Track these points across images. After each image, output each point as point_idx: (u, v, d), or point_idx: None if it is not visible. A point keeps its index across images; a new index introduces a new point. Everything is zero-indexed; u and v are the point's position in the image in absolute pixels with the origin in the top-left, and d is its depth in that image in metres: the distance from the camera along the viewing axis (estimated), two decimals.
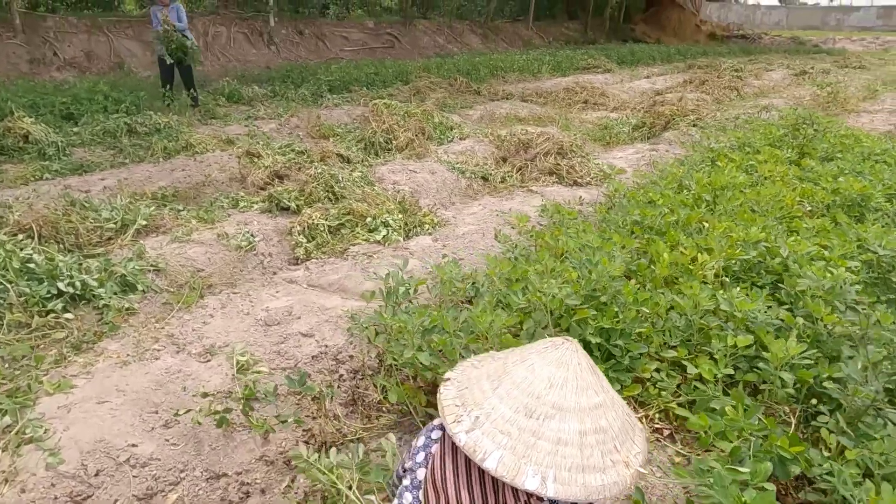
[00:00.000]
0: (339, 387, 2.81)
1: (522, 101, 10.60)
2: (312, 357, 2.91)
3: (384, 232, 4.30)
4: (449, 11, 21.39)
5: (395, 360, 2.37)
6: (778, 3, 68.32)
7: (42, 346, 3.00)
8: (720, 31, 27.32)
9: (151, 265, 3.84)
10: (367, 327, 2.69)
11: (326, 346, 2.99)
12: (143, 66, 12.84)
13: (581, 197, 5.18)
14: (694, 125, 8.00)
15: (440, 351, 2.30)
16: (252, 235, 4.38)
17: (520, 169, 6.09)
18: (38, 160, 6.21)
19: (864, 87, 12.74)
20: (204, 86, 10.95)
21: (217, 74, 13.03)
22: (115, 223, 4.19)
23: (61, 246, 3.90)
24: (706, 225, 3.39)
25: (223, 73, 13.00)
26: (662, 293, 2.69)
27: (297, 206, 4.78)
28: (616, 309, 2.42)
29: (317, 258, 4.16)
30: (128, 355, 2.89)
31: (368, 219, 4.46)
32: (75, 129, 7.00)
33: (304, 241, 4.28)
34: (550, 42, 22.99)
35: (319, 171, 5.15)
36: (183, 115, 8.22)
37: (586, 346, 2.37)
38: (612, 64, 16.44)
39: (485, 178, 6.18)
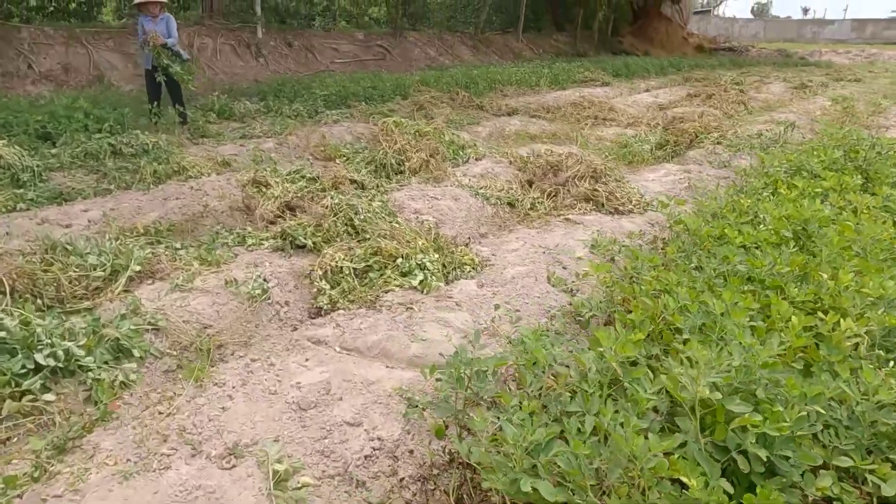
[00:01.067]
0: (400, 494, 2.20)
1: (530, 116, 10.09)
2: (365, 457, 2.28)
3: (421, 276, 3.70)
4: (439, 23, 20.93)
5: (491, 486, 1.76)
6: (752, 16, 69.45)
7: (14, 446, 2.34)
8: (707, 44, 27.31)
9: (149, 323, 3.19)
10: (435, 422, 2.09)
11: (380, 440, 2.37)
12: (124, 80, 12.08)
13: (642, 232, 4.63)
14: (718, 143, 7.54)
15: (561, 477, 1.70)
16: (265, 280, 3.75)
17: (551, 195, 5.53)
18: (10, 187, 5.48)
19: (869, 100, 12.50)
20: (191, 101, 10.26)
21: (204, 88, 12.32)
22: (104, 270, 3.52)
23: (40, 302, 3.23)
24: (819, 275, 2.84)
25: (210, 87, 12.30)
26: (806, 377, 2.14)
27: (315, 243, 4.15)
28: (779, 408, 1.85)
29: (343, 308, 3.54)
30: (128, 460, 2.24)
31: (399, 259, 3.85)
32: (53, 151, 6.28)
33: (327, 287, 3.66)
34: (541, 54, 22.64)
35: (336, 201, 4.53)
36: (172, 133, 7.53)
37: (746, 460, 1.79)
38: (608, 77, 16.06)
39: (511, 205, 5.62)
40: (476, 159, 6.86)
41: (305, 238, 4.12)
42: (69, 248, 3.60)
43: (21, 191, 5.38)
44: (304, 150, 7.41)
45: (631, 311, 2.62)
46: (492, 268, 3.93)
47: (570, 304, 3.51)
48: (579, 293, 3.68)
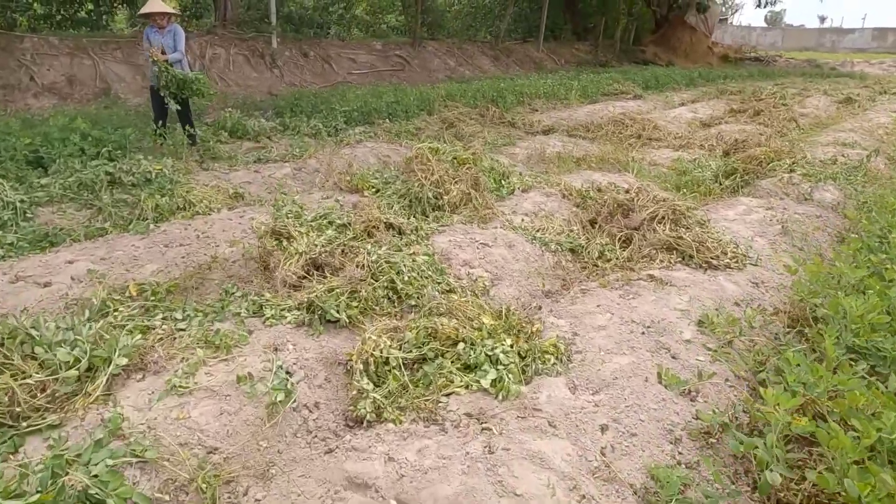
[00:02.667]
0: None
1: (569, 135, 9.17)
2: None
3: (492, 373, 2.79)
4: (457, 32, 20.09)
5: None
6: (766, 25, 68.52)
7: None
8: (733, 54, 26.29)
9: (133, 452, 2.30)
10: None
11: None
12: (132, 92, 11.29)
13: (758, 305, 3.69)
14: (791, 170, 6.59)
15: None
16: (288, 375, 2.85)
17: (623, 241, 4.61)
18: None
19: None
20: (202, 116, 9.44)
21: (215, 102, 11.50)
22: (79, 368, 2.64)
23: None
24: None
25: (222, 100, 11.48)
26: None
27: (350, 316, 3.25)
28: None
29: (393, 420, 2.64)
30: None
31: (461, 344, 2.95)
32: (42, 181, 5.43)
33: (370, 386, 2.76)
34: (562, 64, 21.74)
35: (374, 258, 3.63)
36: (179, 157, 6.68)
37: None
38: (638, 89, 15.12)
39: (573, 251, 4.70)
40: (522, 191, 5.95)
41: (339, 311, 3.22)
42: (34, 335, 2.72)
43: (0, 233, 4.53)
44: (327, 177, 6.54)
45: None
46: (580, 356, 3.01)
47: (697, 418, 2.59)
48: (699, 396, 2.76)
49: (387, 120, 9.36)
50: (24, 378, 2.49)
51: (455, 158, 5.96)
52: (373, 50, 16.71)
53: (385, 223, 4.46)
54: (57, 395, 2.53)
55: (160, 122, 7.09)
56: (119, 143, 6.53)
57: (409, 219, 5.15)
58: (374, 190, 5.76)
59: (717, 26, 47.13)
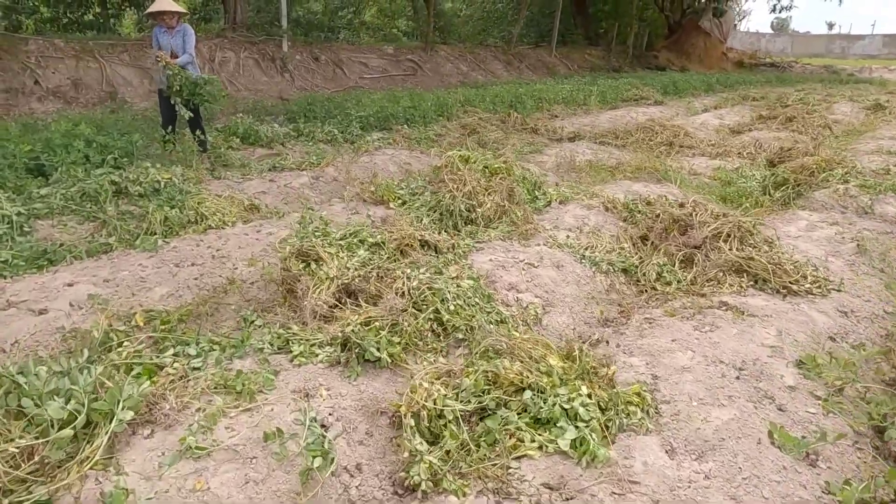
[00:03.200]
0: None
1: (596, 142, 8.70)
2: None
3: (570, 430, 2.30)
4: (470, 37, 19.67)
5: None
6: (772, 31, 68.04)
7: None
8: (747, 59, 25.81)
9: None
10: None
11: None
12: (139, 96, 10.88)
13: (860, 343, 3.20)
14: (845, 181, 6.11)
15: None
16: (324, 430, 2.38)
17: (682, 261, 4.13)
18: None
19: None
20: (212, 122, 9.00)
21: (226, 107, 11.09)
22: (74, 427, 2.17)
23: None
24: None
25: (233, 105, 11.06)
26: None
27: (391, 354, 2.78)
28: None
29: (454, 491, 2.16)
30: None
31: (527, 392, 2.47)
32: (42, 192, 4.97)
33: (423, 447, 2.28)
34: (575, 69, 21.31)
35: (414, 283, 3.16)
36: (189, 165, 6.23)
37: None
38: (657, 94, 14.66)
39: (626, 271, 4.23)
40: (560, 203, 5.48)
41: (379, 349, 2.74)
42: (22, 382, 2.25)
43: None
44: (347, 187, 6.09)
45: None
46: (669, 407, 2.53)
47: (828, 492, 2.10)
48: (819, 460, 2.28)
49: (405, 126, 8.91)
50: (8, 441, 2.02)
51: (486, 168, 5.50)
52: (384, 54, 16.30)
53: (420, 240, 3.98)
54: (47, 461, 2.06)
55: (169, 128, 6.65)
56: (125, 149, 6.09)
57: (440, 233, 4.69)
58: (400, 202, 5.30)
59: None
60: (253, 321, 3.35)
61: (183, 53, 6.51)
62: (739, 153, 7.85)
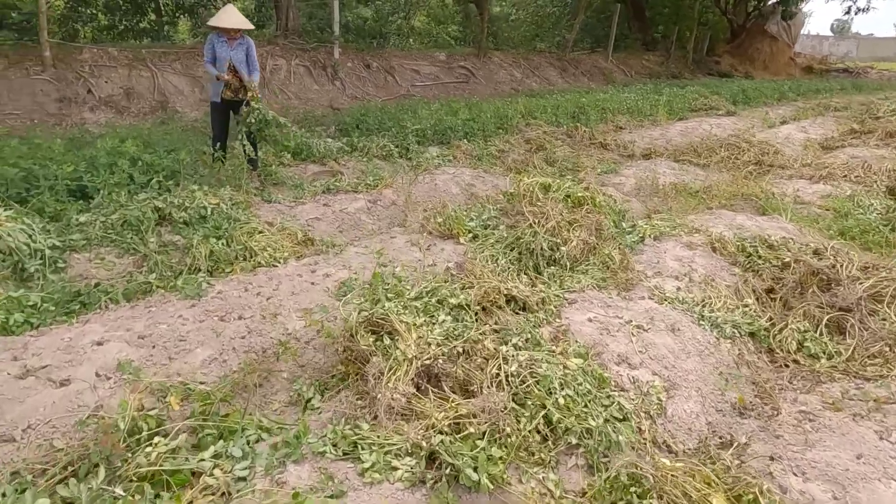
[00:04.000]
0: None
1: (675, 160, 7.85)
2: None
3: None
4: (522, 43, 18.91)
5: None
6: (831, 34, 64.70)
7: None
8: (817, 65, 24.16)
9: None
10: None
11: None
12: (189, 106, 10.56)
13: None
14: None
15: None
16: None
17: (831, 328, 3.31)
18: (10, 283, 3.72)
19: None
20: None
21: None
22: None
23: None
24: None
25: (283, 115, 10.63)
26: None
27: (492, 476, 2.10)
28: None
29: None
30: None
31: None
32: (81, 219, 4.50)
33: None
34: (632, 76, 20.29)
35: (513, 368, 2.47)
36: (238, 185, 5.72)
37: None
38: (727, 104, 13.59)
39: (753, 335, 3.44)
40: (654, 238, 4.70)
41: (477, 469, 2.06)
42: None
43: (21, 292, 3.59)
44: (408, 213, 5.47)
45: None
46: None
47: None
48: None
49: (464, 140, 8.24)
50: None
51: (569, 197, 4.77)
52: (436, 61, 15.71)
53: (506, 294, 3.30)
54: None
55: (219, 144, 6.16)
56: (172, 168, 5.62)
57: (518, 275, 4.00)
58: (470, 235, 4.62)
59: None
60: (310, 400, 2.73)
61: (247, 69, 6.01)
62: (845, 176, 6.87)
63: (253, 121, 5.65)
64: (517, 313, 3.28)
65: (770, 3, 22.97)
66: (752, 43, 23.10)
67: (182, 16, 15.01)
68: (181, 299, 3.52)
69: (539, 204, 4.57)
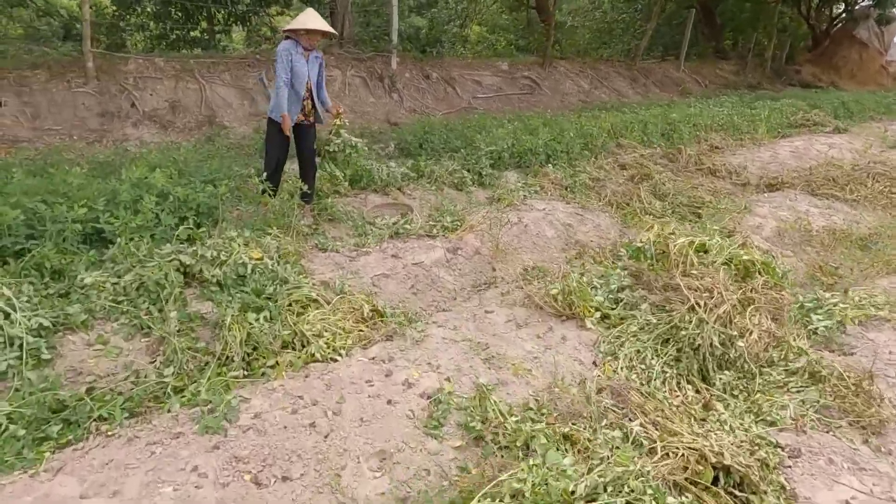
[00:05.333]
0: None
1: (811, 194, 6.33)
2: None
3: None
4: (590, 51, 17.45)
5: None
6: None
7: None
8: None
9: None
10: None
11: None
12: (237, 120, 9.62)
13: None
14: None
15: None
16: None
17: None
18: None
19: None
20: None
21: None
22: None
23: None
24: None
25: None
26: None
27: None
28: None
29: None
30: None
31: None
32: (87, 280, 3.42)
33: None
34: (706, 86, 18.57)
35: None
36: (287, 227, 4.59)
37: None
38: (832, 119, 11.84)
39: None
40: (858, 324, 3.28)
41: None
42: None
43: None
44: (494, 262, 4.21)
45: None
46: None
47: None
48: None
49: (549, 165, 6.94)
50: None
51: (732, 262, 3.41)
52: (498, 71, 14.45)
53: (714, 464, 1.98)
54: None
55: (271, 172, 5.01)
56: (208, 204, 4.53)
57: (678, 383, 2.68)
58: (597, 314, 3.32)
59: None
60: None
61: (321, 89, 4.90)
62: None
63: (336, 149, 4.52)
64: (731, 494, 1.96)
65: (861, 6, 20.79)
66: (837, 50, 20.94)
67: (235, 24, 14.23)
68: (199, 434, 2.34)
69: (695, 272, 3.22)
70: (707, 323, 2.91)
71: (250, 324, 3.11)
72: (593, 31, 19.07)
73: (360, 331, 3.21)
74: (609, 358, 2.92)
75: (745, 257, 3.42)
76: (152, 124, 9.06)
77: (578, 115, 10.52)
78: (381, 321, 3.36)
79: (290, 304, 3.38)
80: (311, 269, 4.02)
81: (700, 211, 5.57)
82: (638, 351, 2.93)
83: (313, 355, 2.94)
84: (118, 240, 3.84)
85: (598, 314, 3.28)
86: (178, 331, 3.13)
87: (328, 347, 2.99)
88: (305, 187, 5.04)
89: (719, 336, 2.89)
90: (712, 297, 3.02)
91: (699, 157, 7.33)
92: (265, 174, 5.01)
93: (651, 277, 3.39)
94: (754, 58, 20.49)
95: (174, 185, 4.61)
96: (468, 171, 6.82)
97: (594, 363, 2.93)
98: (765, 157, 8.54)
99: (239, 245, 3.84)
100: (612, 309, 3.33)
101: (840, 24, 21.36)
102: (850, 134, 10.68)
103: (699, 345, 2.88)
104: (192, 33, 13.02)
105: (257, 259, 3.72)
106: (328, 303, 3.45)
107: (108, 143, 8.41)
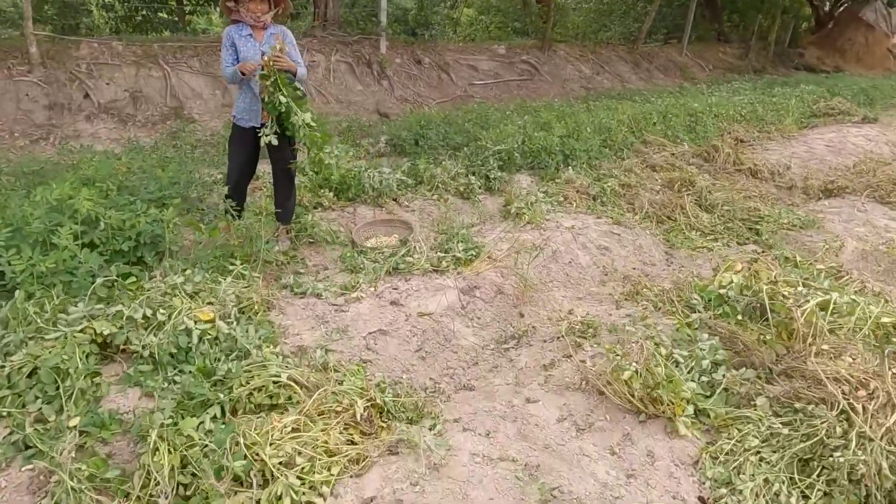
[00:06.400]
0: None
1: (880, 202, 5.36)
2: None
3: None
4: (587, 34, 16.30)
5: None
6: None
7: None
8: None
9: None
10: None
11: None
12: (208, 113, 8.44)
13: None
14: None
15: None
16: None
17: None
18: None
19: None
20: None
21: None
22: None
23: None
24: None
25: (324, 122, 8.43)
26: None
27: None
28: None
29: None
30: None
31: None
32: None
33: None
34: (710, 71, 17.54)
35: None
36: (254, 260, 3.52)
37: None
38: (854, 106, 10.89)
39: None
40: None
41: None
42: None
43: None
44: (522, 307, 3.19)
45: None
46: None
47: None
48: None
49: (569, 168, 5.89)
50: None
51: (867, 325, 2.41)
52: (495, 55, 13.30)
53: None
54: None
55: (234, 184, 3.93)
56: (151, 233, 3.44)
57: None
58: (689, 408, 2.30)
59: None
60: None
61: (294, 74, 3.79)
62: None
63: (272, 108, 3.44)
64: None
65: None
66: (842, 33, 19.97)
67: (208, 4, 12.90)
68: None
69: (827, 348, 2.22)
70: (872, 440, 1.90)
71: (188, 439, 2.06)
72: (592, 13, 17.90)
73: (351, 442, 2.17)
74: (724, 491, 1.92)
75: (884, 319, 2.42)
76: (109, 118, 7.85)
77: (587, 105, 9.46)
78: (382, 420, 2.33)
79: (250, 395, 2.33)
80: (285, 325, 2.97)
81: (758, 226, 4.56)
82: (766, 480, 1.93)
83: (280, 498, 1.90)
84: (17, 293, 2.76)
85: (689, 408, 2.27)
86: (79, 449, 2.08)
87: (303, 484, 1.95)
88: (282, 209, 3.96)
89: (889, 459, 1.90)
90: (871, 395, 2.02)
91: (737, 156, 6.32)
92: (226, 189, 3.93)
93: (759, 351, 2.37)
94: (758, 41, 19.45)
95: (107, 208, 3.50)
96: (474, 174, 5.77)
97: (701, 501, 1.93)
98: (799, 152, 7.57)
99: (183, 298, 2.77)
100: (708, 397, 2.32)
101: (845, 6, 20.37)
102: (881, 124, 9.73)
103: (862, 474, 1.88)
104: (160, 14, 11.73)
105: (207, 322, 2.66)
106: (304, 387, 2.40)
107: (55, 141, 7.22)
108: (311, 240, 4.26)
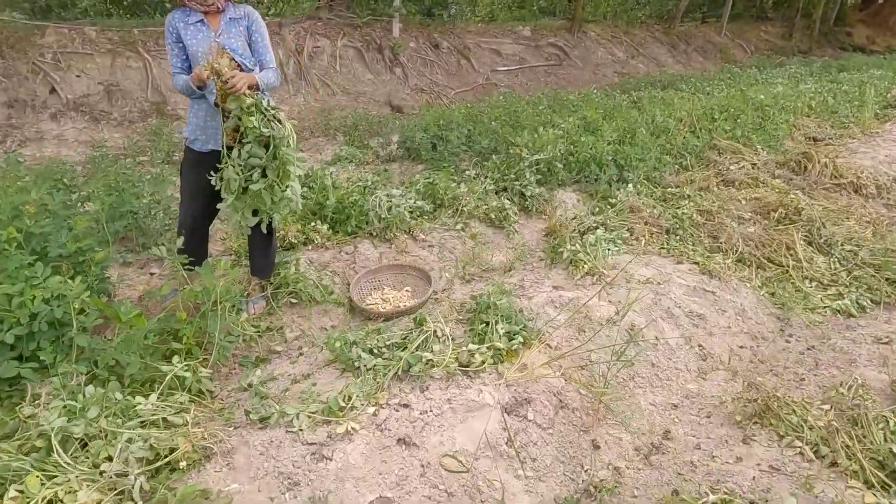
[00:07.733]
0: None
1: None
2: None
3: None
4: (619, 13, 14.77)
5: None
6: None
7: None
8: None
9: None
10: None
11: None
12: None
13: None
14: None
15: None
16: None
17: None
18: None
19: None
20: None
21: (313, 122, 7.28)
22: None
23: None
24: None
25: (322, 122, 7.24)
26: None
27: None
28: None
29: None
30: None
31: None
32: None
33: None
34: (751, 52, 15.93)
35: None
36: (203, 357, 2.37)
37: None
38: None
39: None
40: None
41: None
42: None
43: None
44: (595, 432, 2.00)
45: None
46: None
47: None
48: None
49: (629, 185, 4.63)
50: None
51: None
52: (520, 38, 11.90)
53: None
54: None
55: (188, 234, 2.79)
56: (51, 316, 2.29)
57: None
58: None
59: None
60: None
61: (255, 66, 2.62)
62: None
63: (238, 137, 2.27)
64: None
65: None
66: (893, 10, 18.15)
67: None
68: None
69: None
70: None
71: None
72: None
73: None
74: None
75: None
76: (79, 116, 6.71)
77: (630, 96, 8.12)
78: None
79: None
80: (226, 494, 1.82)
81: None
82: None
83: None
84: None
85: None
86: None
87: None
88: (260, 276, 2.81)
89: None
90: None
91: (836, 166, 5.00)
92: (179, 238, 2.77)
93: None
94: (801, 19, 17.72)
95: (26, 256, 2.38)
96: (505, 189, 4.57)
97: None
98: (894, 154, 6.21)
99: (56, 460, 1.63)
100: None
101: None
102: None
103: None
104: None
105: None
106: None
107: (13, 145, 6.12)
108: (293, 298, 3.10)
